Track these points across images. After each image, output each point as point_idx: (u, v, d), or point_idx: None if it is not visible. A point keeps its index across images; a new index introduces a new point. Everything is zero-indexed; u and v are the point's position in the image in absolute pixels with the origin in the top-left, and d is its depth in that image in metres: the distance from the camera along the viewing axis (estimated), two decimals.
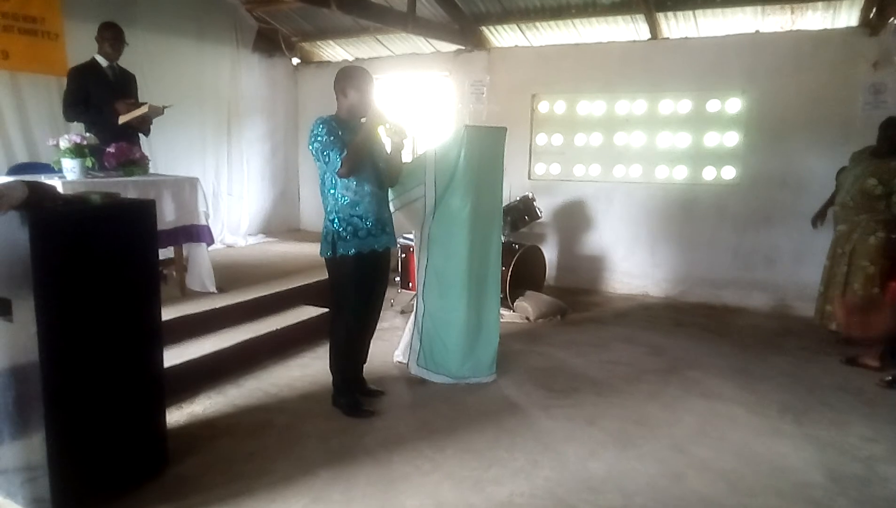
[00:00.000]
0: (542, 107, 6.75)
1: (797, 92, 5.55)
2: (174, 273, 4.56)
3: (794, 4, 5.38)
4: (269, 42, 7.56)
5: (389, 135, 3.39)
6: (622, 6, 5.88)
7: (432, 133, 7.38)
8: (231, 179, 7.21)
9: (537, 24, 6.43)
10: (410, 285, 5.48)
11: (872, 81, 5.23)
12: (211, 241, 4.62)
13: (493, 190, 4.02)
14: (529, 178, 6.77)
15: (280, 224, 8.06)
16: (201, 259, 4.60)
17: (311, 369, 4.20)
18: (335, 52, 7.94)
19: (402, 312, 5.53)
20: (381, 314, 3.73)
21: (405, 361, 4.16)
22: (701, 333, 5.19)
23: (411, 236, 5.19)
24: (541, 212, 5.96)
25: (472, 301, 3.92)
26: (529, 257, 5.70)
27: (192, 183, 4.43)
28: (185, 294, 4.51)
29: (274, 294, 4.87)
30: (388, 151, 3.48)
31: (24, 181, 2.34)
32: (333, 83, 3.37)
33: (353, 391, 3.60)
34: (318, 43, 7.83)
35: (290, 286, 5.08)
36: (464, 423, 3.43)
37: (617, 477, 2.90)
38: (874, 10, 5.06)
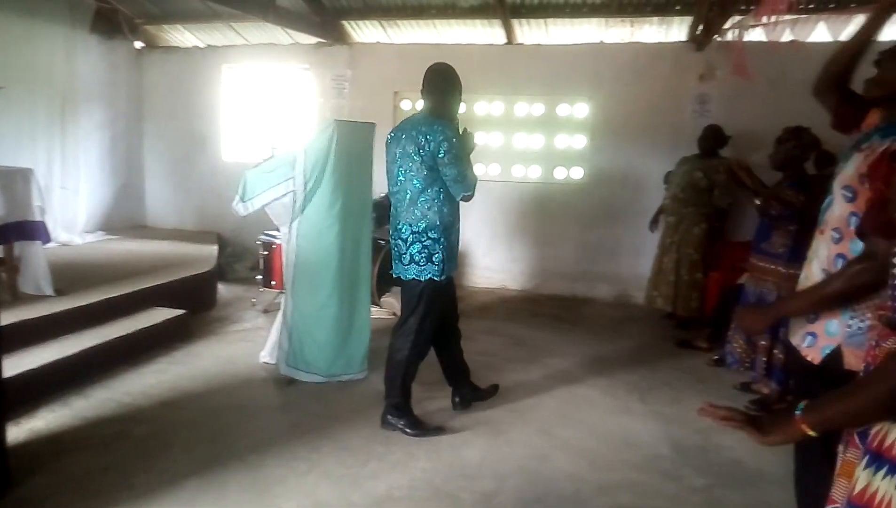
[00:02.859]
0: (405, 105, 6.81)
1: (636, 99, 6.07)
2: (4, 275, 4.08)
3: (634, 18, 5.89)
4: (109, 23, 6.95)
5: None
6: (480, 10, 6.10)
7: (292, 127, 7.19)
8: (65, 170, 6.52)
9: (398, 22, 6.49)
10: (273, 283, 5.31)
11: (699, 92, 5.86)
12: (47, 239, 4.21)
13: (363, 186, 4.01)
14: None
15: (123, 220, 7.44)
16: (36, 259, 4.16)
17: (167, 374, 3.95)
18: (184, 37, 7.48)
19: (266, 311, 5.35)
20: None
21: (273, 361, 4.04)
22: (555, 323, 5.53)
23: (273, 233, 5.04)
24: None
25: (344, 297, 3.89)
26: None
27: (25, 175, 4.00)
28: (18, 298, 4.05)
29: (121, 296, 4.50)
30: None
31: None
32: (428, 79, 3.27)
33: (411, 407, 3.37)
34: (165, 27, 7.33)
35: (140, 288, 4.71)
36: (338, 421, 3.40)
37: (490, 463, 3.02)
38: (700, 27, 5.66)
